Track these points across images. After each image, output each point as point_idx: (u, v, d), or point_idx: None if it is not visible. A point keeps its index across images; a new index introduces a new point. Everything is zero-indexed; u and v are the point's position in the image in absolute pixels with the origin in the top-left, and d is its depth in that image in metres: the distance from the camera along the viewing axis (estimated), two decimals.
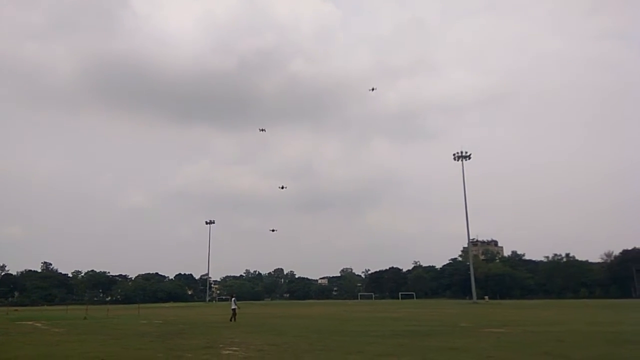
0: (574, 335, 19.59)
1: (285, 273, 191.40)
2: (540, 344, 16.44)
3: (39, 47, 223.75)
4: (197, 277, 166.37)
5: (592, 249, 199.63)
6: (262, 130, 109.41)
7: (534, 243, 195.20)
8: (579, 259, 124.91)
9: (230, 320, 32.17)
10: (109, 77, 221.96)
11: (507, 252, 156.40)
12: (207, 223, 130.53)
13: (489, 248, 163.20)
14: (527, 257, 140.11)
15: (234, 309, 33.45)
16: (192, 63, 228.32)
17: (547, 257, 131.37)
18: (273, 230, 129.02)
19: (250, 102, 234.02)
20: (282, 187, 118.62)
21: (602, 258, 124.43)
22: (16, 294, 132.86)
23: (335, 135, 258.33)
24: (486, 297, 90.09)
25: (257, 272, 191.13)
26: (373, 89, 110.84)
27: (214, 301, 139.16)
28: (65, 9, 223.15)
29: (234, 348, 16.23)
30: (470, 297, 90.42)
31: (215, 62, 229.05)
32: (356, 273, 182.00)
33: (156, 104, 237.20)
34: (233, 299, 36.22)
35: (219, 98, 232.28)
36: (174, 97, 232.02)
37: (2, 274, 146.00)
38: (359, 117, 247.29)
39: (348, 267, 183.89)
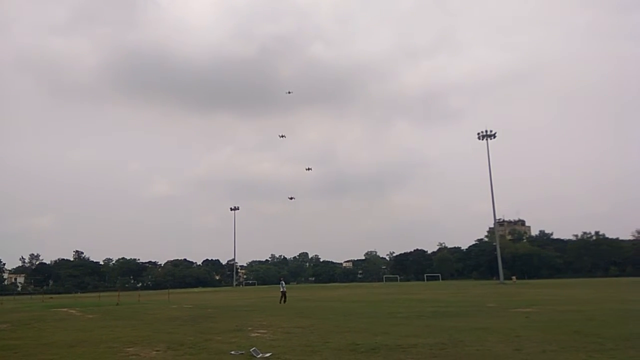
0: (604, 314, 19.24)
1: (310, 257, 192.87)
2: (570, 323, 16.21)
3: (64, 40, 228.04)
4: (224, 262, 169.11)
5: (622, 227, 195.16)
6: (282, 136, 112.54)
7: (562, 222, 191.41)
8: (609, 236, 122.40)
9: (280, 303, 32.78)
10: (132, 68, 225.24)
11: (534, 232, 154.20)
12: (232, 209, 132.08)
13: (515, 228, 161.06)
14: (555, 236, 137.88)
15: (283, 292, 34.00)
16: (213, 51, 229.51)
17: (576, 235, 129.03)
18: (291, 198, 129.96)
19: (271, 88, 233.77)
20: (308, 169, 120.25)
21: (633, 235, 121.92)
22: (50, 282, 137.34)
23: (357, 118, 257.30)
24: (514, 277, 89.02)
25: (282, 257, 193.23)
26: (289, 92, 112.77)
27: (241, 286, 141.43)
28: (88, 2, 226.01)
29: (262, 331, 16.47)
30: (497, 278, 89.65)
31: (235, 49, 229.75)
32: (381, 256, 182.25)
33: (178, 93, 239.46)
34: (282, 282, 36.81)
35: (240, 85, 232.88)
36: (196, 86, 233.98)
37: (37, 263, 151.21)
38: (381, 99, 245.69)
39: (372, 249, 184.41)
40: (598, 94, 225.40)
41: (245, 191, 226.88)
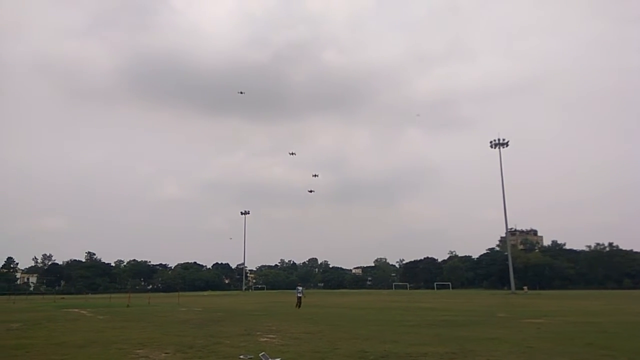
0: (618, 326, 18.98)
1: (319, 263, 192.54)
2: (583, 335, 16.00)
3: (79, 44, 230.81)
4: (233, 266, 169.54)
5: (636, 238, 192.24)
6: (292, 154, 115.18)
7: (575, 232, 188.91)
8: (623, 248, 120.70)
9: (296, 307, 32.91)
10: (146, 72, 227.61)
11: (547, 242, 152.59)
12: (242, 214, 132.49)
13: (527, 237, 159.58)
14: (568, 247, 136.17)
15: (299, 297, 34.00)
16: (227, 56, 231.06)
17: (589, 246, 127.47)
18: (311, 191, 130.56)
19: (282, 93, 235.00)
20: (315, 176, 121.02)
21: None
22: (62, 282, 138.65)
23: (368, 125, 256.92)
24: (525, 287, 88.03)
25: (291, 262, 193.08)
26: (242, 93, 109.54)
27: (250, 290, 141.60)
28: (104, 7, 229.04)
29: (271, 335, 16.48)
30: (509, 288, 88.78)
31: (249, 55, 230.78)
32: (390, 263, 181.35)
33: (191, 97, 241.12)
34: (299, 287, 36.58)
35: (252, 90, 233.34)
36: (208, 90, 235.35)
37: (49, 263, 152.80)
38: (392, 106, 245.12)
39: (382, 257, 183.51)
40: (610, 102, 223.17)
41: (255, 196, 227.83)
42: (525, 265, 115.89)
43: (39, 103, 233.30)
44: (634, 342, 14.40)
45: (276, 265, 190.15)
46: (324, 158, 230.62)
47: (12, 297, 72.47)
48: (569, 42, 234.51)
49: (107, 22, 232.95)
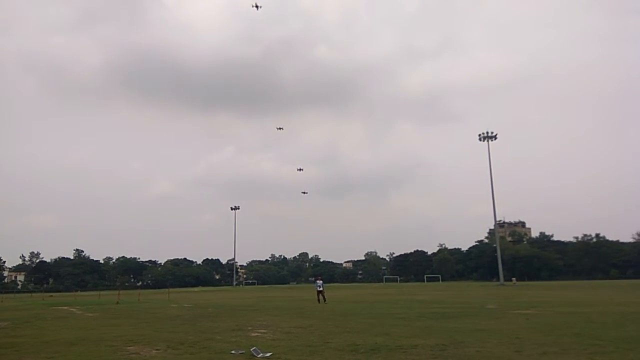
0: (605, 316, 19.24)
1: (310, 257, 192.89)
2: (571, 325, 16.20)
3: (67, 40, 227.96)
4: (224, 262, 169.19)
5: (623, 229, 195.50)
6: (280, 129, 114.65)
7: (562, 224, 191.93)
8: (610, 239, 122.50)
9: (319, 302, 32.42)
10: (135, 67, 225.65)
11: (535, 234, 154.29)
12: (232, 209, 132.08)
13: (516, 229, 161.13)
14: (555, 238, 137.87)
15: (320, 291, 33.47)
16: (217, 52, 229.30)
17: (577, 237, 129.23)
18: (304, 193, 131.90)
19: (273, 88, 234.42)
20: (300, 170, 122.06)
21: (633, 238, 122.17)
22: (50, 280, 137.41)
23: (360, 119, 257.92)
24: (514, 279, 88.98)
25: (282, 257, 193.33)
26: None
27: (241, 285, 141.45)
28: (92, 2, 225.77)
29: (262, 330, 16.47)
30: (498, 279, 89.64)
31: (240, 51, 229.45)
32: (381, 256, 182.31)
33: (181, 92, 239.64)
34: (317, 281, 35.18)
35: (243, 85, 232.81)
36: (198, 86, 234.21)
37: (37, 261, 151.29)
38: (383, 101, 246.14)
39: (372, 250, 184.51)
40: (600, 98, 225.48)
41: (245, 191, 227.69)
42: (513, 256, 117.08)
43: (27, 100, 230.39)
44: (621, 331, 14.61)
45: (267, 260, 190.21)
46: (316, 153, 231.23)
47: (0, 295, 71.67)
48: (561, 37, 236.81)
49: (95, 17, 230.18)
